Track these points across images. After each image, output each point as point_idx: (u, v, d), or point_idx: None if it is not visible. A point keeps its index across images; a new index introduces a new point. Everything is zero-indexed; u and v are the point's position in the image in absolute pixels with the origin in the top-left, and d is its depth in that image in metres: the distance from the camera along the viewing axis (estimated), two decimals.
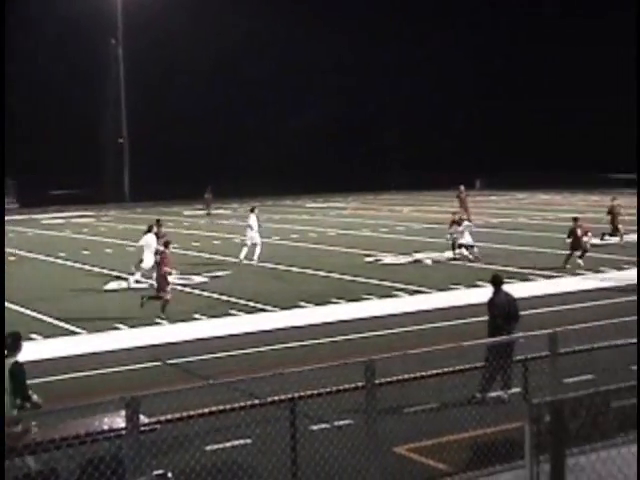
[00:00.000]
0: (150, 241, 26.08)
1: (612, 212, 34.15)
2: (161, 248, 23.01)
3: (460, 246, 30.11)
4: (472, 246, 29.96)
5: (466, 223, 30.65)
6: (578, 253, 28.09)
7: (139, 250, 26.86)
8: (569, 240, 28.49)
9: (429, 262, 29.64)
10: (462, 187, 44.13)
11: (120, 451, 8.79)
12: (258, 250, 30.59)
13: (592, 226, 31.67)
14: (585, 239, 28.67)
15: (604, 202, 52.94)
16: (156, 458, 9.87)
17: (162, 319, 21.00)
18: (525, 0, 77.63)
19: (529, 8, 77.06)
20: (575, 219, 29.16)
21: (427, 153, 77.14)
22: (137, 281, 26.17)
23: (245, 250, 30.56)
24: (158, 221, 29.00)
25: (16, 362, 10.61)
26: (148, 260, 25.60)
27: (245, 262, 30.08)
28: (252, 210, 31.92)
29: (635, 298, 22.08)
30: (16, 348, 10.77)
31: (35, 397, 10.61)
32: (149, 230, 26.86)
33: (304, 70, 76.26)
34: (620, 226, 33.77)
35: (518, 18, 78.12)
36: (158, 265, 22.41)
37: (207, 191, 55.47)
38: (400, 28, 77.35)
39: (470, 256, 29.69)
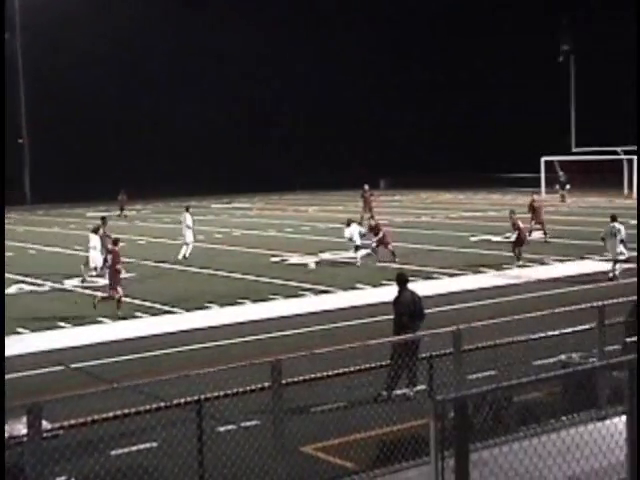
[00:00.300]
0: (94, 241, 26.33)
1: (533, 207, 34.51)
2: (110, 246, 23.24)
3: (362, 248, 29.92)
4: (359, 247, 29.73)
5: (354, 225, 30.55)
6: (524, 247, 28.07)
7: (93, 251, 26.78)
8: (514, 235, 28.40)
9: (313, 266, 28.90)
10: (367, 187, 44.43)
11: (21, 458, 8.59)
12: (185, 249, 31.17)
13: (496, 224, 32.15)
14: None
15: (504, 201, 54.26)
16: (59, 465, 9.68)
17: (120, 318, 21.03)
18: None
19: (430, 5, 77.57)
20: (512, 212, 28.84)
21: (329, 153, 77.40)
22: (90, 276, 26.37)
23: (186, 248, 31.26)
24: (103, 219, 29.02)
25: None
26: (97, 260, 25.95)
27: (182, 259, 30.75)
28: (187, 209, 32.54)
29: (532, 295, 22.74)
30: None
31: None
32: (96, 230, 27.04)
33: (203, 64, 75.44)
34: (533, 222, 34.21)
35: (419, 14, 78.43)
36: (110, 264, 22.41)
37: (121, 192, 54.72)
38: (295, 24, 76.93)
39: (362, 253, 29.46)
